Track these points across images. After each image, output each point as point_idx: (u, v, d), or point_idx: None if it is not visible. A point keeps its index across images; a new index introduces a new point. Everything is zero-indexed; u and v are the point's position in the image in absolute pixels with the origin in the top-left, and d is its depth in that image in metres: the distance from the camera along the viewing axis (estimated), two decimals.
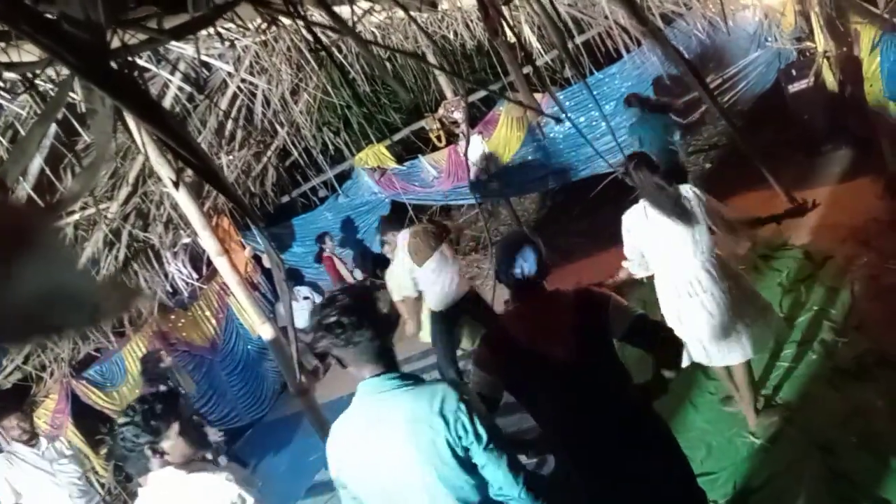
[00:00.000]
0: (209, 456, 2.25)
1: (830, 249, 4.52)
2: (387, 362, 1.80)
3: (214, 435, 4.68)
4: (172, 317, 6.24)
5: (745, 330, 3.23)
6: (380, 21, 3.89)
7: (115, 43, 1.50)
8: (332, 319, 1.73)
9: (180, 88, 4.20)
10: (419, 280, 4.65)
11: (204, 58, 3.66)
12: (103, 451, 5.63)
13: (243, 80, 4.50)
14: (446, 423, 1.70)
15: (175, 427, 2.11)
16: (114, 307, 0.65)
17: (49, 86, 1.73)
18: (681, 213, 3.13)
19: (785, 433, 3.29)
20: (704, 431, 3.58)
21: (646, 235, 3.31)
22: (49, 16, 1.19)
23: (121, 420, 2.11)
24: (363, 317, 1.74)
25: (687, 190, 3.18)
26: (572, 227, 7.40)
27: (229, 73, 4.32)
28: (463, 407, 1.73)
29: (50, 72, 1.69)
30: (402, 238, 4.69)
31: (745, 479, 3.18)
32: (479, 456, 1.74)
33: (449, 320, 4.74)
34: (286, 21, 2.06)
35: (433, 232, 4.66)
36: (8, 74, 1.51)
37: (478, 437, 1.72)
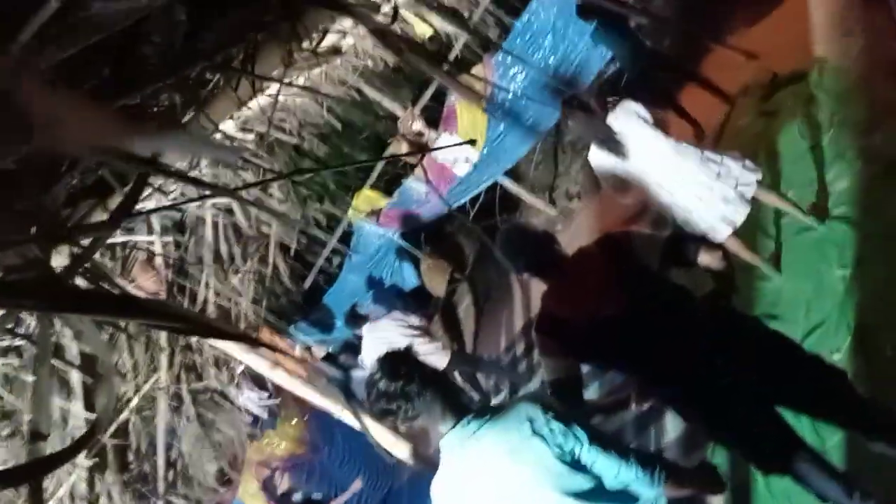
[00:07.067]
0: None
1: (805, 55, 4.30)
2: (457, 410, 1.79)
3: None
4: (264, 442, 6.33)
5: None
6: (308, 77, 3.90)
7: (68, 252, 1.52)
8: (388, 405, 1.74)
9: (164, 242, 4.27)
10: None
11: (166, 205, 3.71)
12: None
13: (213, 205, 4.56)
14: (544, 439, 1.68)
15: None
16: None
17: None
18: (617, 147, 3.35)
19: None
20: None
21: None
22: None
23: None
24: (412, 381, 1.74)
25: (630, 111, 3.38)
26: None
27: (198, 206, 4.37)
28: (550, 416, 1.71)
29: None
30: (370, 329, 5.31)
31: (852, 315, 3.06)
32: (587, 456, 1.71)
33: None
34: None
35: (442, 265, 5.03)
36: None
37: (577, 439, 1.70)
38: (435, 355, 5.13)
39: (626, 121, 3.40)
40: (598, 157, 3.52)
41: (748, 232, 3.62)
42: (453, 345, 5.50)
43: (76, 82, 1.07)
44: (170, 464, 4.47)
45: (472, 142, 5.47)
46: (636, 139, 3.38)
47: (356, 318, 5.51)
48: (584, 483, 1.69)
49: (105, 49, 1.18)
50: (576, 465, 1.70)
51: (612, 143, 3.36)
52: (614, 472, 1.71)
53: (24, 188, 1.03)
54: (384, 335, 5.25)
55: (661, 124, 3.45)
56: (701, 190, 3.34)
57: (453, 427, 1.76)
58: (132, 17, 1.02)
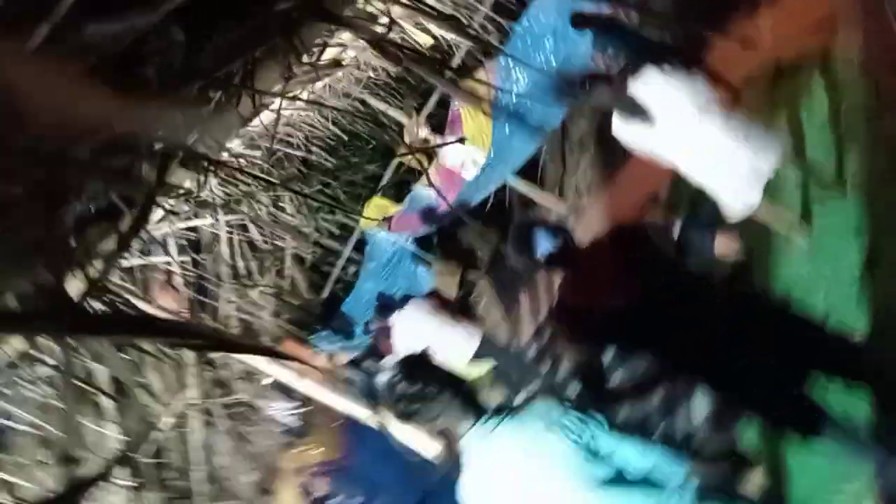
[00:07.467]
0: None
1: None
2: (476, 409, 1.81)
3: None
4: (298, 450, 6.39)
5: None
6: (311, 91, 3.95)
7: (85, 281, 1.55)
8: (408, 407, 1.76)
9: (182, 262, 4.34)
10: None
11: (182, 226, 3.78)
12: None
13: (227, 223, 4.63)
14: (562, 432, 1.69)
15: None
16: None
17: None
18: (643, 116, 3.17)
19: None
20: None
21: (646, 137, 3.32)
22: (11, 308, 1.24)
23: None
24: (430, 383, 1.76)
25: (650, 79, 3.20)
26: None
27: (212, 224, 4.44)
28: (567, 410, 1.72)
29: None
30: (400, 317, 5.15)
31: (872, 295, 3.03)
32: (607, 444, 1.71)
33: None
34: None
35: (452, 268, 5.03)
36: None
37: (595, 429, 1.71)
38: (465, 339, 5.08)
39: (647, 89, 3.33)
40: (622, 129, 3.45)
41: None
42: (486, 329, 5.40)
43: None
44: (208, 478, 4.53)
45: (462, 140, 5.47)
46: (658, 106, 3.31)
47: (385, 309, 5.45)
48: (606, 471, 1.69)
49: (103, 71, 1.20)
50: (597, 454, 1.71)
51: (638, 112, 3.28)
52: (637, 457, 1.71)
53: (32, 215, 1.06)
54: (414, 318, 5.21)
55: (688, 86, 3.33)
56: (726, 155, 3.19)
57: (472, 426, 1.78)
58: (127, 39, 1.04)
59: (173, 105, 1.27)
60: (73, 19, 0.78)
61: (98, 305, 1.57)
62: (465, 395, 1.81)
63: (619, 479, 1.70)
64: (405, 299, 5.48)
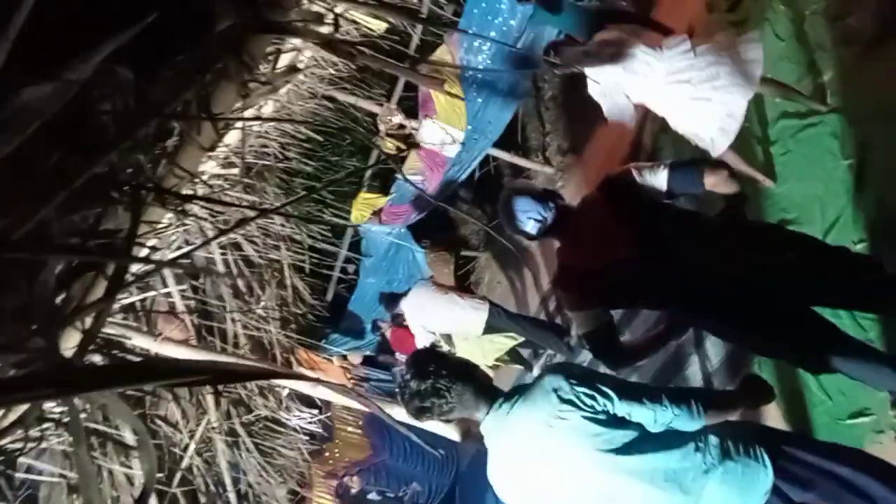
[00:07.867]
0: None
1: None
2: (488, 395, 1.82)
3: None
4: (327, 454, 6.47)
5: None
6: (276, 99, 3.91)
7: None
8: (421, 403, 1.77)
9: (181, 290, 4.33)
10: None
11: (173, 256, 3.76)
12: None
13: (219, 245, 4.60)
14: (573, 404, 1.70)
15: None
16: None
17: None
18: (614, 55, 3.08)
19: None
20: None
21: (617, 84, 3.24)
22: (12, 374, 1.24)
23: None
24: (441, 377, 1.77)
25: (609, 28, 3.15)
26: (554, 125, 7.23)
27: (205, 246, 4.41)
28: (574, 382, 1.72)
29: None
30: (407, 304, 5.19)
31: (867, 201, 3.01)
32: (621, 409, 1.72)
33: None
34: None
35: (444, 256, 5.02)
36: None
37: (606, 396, 1.71)
38: (474, 311, 5.12)
39: (606, 36, 3.20)
40: (598, 86, 3.29)
41: (744, 142, 3.55)
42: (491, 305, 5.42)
43: (34, 168, 1.09)
44: (241, 497, 4.57)
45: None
46: (620, 55, 3.14)
47: (391, 301, 5.50)
48: (625, 436, 1.71)
49: (55, 129, 1.19)
50: (612, 421, 1.72)
51: (608, 57, 3.13)
52: (651, 417, 1.72)
53: (10, 285, 1.05)
54: (421, 299, 5.24)
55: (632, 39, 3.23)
56: (698, 91, 3.11)
57: (487, 413, 1.80)
58: (67, 95, 1.03)
59: None
60: (2, 87, 0.78)
61: (98, 357, 1.57)
62: (476, 384, 1.82)
63: (641, 439, 1.71)
64: (408, 291, 5.50)
